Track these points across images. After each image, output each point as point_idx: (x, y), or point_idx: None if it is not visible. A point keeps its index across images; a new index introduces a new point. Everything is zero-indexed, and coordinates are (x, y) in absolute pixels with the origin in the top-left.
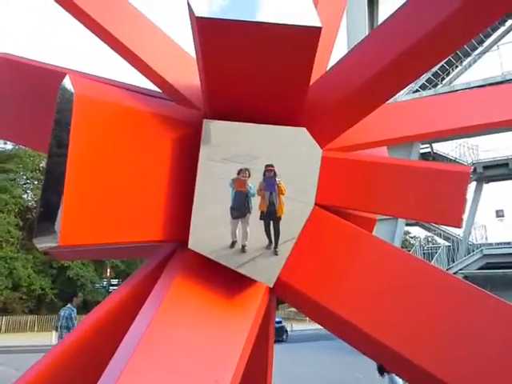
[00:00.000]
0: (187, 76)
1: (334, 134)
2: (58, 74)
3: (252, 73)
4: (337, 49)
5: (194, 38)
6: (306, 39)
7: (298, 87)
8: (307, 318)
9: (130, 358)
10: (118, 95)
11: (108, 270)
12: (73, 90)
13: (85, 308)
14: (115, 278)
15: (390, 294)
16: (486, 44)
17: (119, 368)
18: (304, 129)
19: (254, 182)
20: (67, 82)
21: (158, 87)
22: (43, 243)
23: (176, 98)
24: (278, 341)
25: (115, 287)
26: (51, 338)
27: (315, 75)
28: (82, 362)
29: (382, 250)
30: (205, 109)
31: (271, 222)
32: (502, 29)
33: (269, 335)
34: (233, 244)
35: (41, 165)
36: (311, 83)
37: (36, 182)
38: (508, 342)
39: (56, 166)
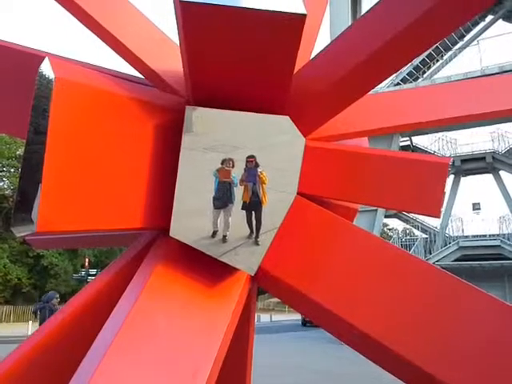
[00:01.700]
0: (170, 62)
1: (317, 123)
2: (36, 58)
3: (235, 59)
4: (319, 42)
5: (177, 24)
6: (290, 26)
7: (281, 75)
8: (286, 309)
9: (109, 348)
10: (99, 80)
11: (87, 260)
12: (52, 74)
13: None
14: (94, 269)
15: (370, 283)
16: (466, 39)
17: (97, 358)
18: (287, 117)
19: (236, 173)
20: (46, 66)
21: (141, 73)
22: (21, 230)
23: (158, 84)
24: None
25: (94, 277)
26: (28, 329)
27: (299, 64)
28: (58, 353)
29: (362, 239)
30: (187, 95)
31: (253, 212)
32: (482, 24)
33: (249, 325)
34: (214, 234)
35: (17, 152)
36: (295, 72)
37: (12, 170)
38: (482, 328)
39: (34, 153)
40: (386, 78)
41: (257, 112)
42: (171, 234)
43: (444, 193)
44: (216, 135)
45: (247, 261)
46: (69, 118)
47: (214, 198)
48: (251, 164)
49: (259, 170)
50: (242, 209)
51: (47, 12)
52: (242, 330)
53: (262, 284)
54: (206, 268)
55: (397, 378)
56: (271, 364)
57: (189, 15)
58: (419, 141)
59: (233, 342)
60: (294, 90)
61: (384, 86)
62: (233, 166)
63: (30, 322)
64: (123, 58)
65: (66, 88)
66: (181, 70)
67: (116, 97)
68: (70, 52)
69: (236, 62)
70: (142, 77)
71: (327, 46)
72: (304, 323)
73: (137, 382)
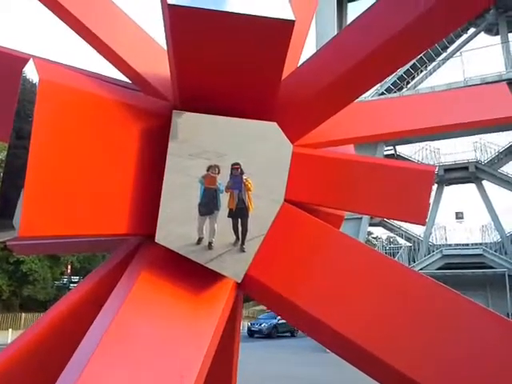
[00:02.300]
0: (157, 67)
1: (304, 130)
2: (21, 60)
3: (223, 64)
4: (306, 51)
5: (165, 27)
6: (279, 32)
7: (269, 80)
8: None
9: (93, 353)
10: (85, 82)
11: (69, 267)
12: (36, 77)
13: (41, 306)
14: (76, 276)
15: (357, 289)
16: (449, 50)
17: (81, 364)
18: (275, 123)
19: (222, 179)
20: (30, 68)
21: (127, 77)
22: (3, 235)
23: (145, 88)
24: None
25: (76, 285)
26: (8, 337)
27: (286, 71)
28: (40, 360)
29: (349, 247)
30: (174, 100)
31: (239, 219)
32: (465, 36)
33: (235, 331)
34: (199, 240)
35: None
36: (282, 78)
37: None
38: (466, 333)
39: (16, 158)
40: (373, 86)
41: (244, 118)
42: (157, 240)
43: (429, 200)
44: (202, 141)
45: (233, 267)
46: (53, 120)
47: (200, 205)
48: (236, 171)
49: (244, 177)
50: (229, 216)
51: (47, 12)
52: (228, 338)
53: (249, 291)
54: (191, 275)
55: None
56: (264, 372)
57: (176, 18)
58: (403, 150)
59: (218, 350)
60: (281, 97)
61: (369, 96)
62: (218, 173)
63: (10, 330)
64: (110, 61)
65: (51, 90)
66: (168, 75)
67: (102, 100)
68: (69, 52)
69: (224, 67)
70: (129, 81)
71: (315, 54)
72: (251, 334)
73: None
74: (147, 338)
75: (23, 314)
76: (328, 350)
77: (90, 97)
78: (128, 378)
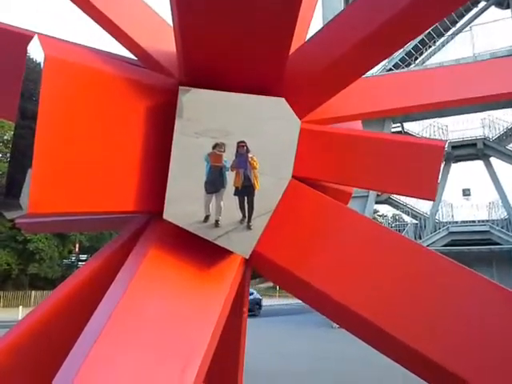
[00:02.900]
0: (162, 42)
1: (312, 106)
2: (26, 37)
3: (230, 37)
4: (313, 27)
5: (170, 0)
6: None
7: (277, 54)
8: (277, 294)
9: (102, 330)
10: (91, 59)
11: (77, 246)
12: (41, 56)
13: (50, 284)
14: (84, 254)
15: (365, 265)
16: (458, 25)
17: (88, 345)
18: (283, 99)
19: (228, 157)
20: (35, 46)
21: (133, 54)
22: (11, 213)
23: (150, 64)
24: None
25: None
26: (18, 314)
27: (294, 46)
28: (49, 338)
29: (357, 222)
30: (180, 76)
31: (246, 197)
32: (475, 10)
33: (243, 307)
34: (206, 218)
35: (4, 137)
36: (290, 53)
37: (0, 155)
38: (472, 307)
39: (23, 138)
40: (381, 61)
41: (251, 93)
42: (164, 216)
43: (439, 176)
44: (209, 119)
45: (241, 244)
46: (59, 98)
47: (206, 183)
48: (242, 149)
49: (250, 155)
50: (235, 194)
51: (46, 12)
52: (236, 314)
53: (257, 267)
54: (199, 251)
55: (394, 361)
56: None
57: None
58: (410, 127)
59: (227, 323)
60: (289, 72)
61: (376, 72)
62: (224, 151)
63: (21, 307)
64: (115, 38)
65: (57, 67)
66: (173, 51)
67: (108, 76)
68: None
69: (230, 40)
70: (135, 58)
71: (322, 28)
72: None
73: (129, 368)
74: (156, 314)
75: (33, 292)
76: (334, 326)
77: (96, 73)
78: (136, 354)
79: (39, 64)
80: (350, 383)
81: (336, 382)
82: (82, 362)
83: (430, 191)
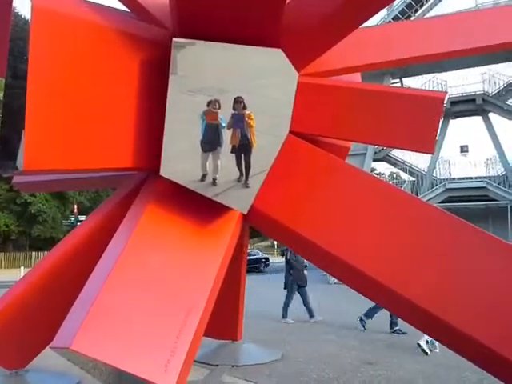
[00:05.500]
0: None
1: (309, 58)
2: None
3: None
4: None
5: None
6: None
7: (274, 2)
8: (275, 252)
9: (102, 287)
10: (82, 10)
11: (75, 207)
12: (30, 6)
13: (51, 245)
14: (83, 215)
15: (363, 218)
16: None
17: (92, 296)
18: (280, 50)
19: (224, 114)
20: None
21: (126, 6)
22: (7, 171)
23: (143, 16)
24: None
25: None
26: (20, 274)
27: None
28: (51, 293)
29: (354, 176)
30: (173, 28)
31: (242, 155)
32: None
33: (241, 262)
34: (203, 177)
35: None
36: (287, 2)
37: None
38: (469, 255)
39: (14, 98)
40: (379, 11)
41: (247, 44)
42: (161, 173)
43: (438, 128)
44: (204, 74)
45: (239, 201)
46: (49, 52)
47: (202, 141)
48: (239, 105)
49: (247, 111)
50: (231, 152)
51: None
52: (235, 266)
53: (255, 223)
54: (198, 207)
55: (394, 314)
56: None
57: None
58: (409, 82)
59: (226, 277)
60: (286, 22)
61: (375, 25)
62: (219, 108)
63: (22, 268)
64: None
65: (46, 18)
66: (166, 2)
67: (100, 28)
68: None
69: None
70: (127, 10)
71: None
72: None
73: (132, 318)
74: (156, 268)
75: (33, 253)
76: (331, 281)
77: (88, 25)
78: (141, 301)
79: (28, 21)
80: (346, 330)
81: (329, 330)
82: (89, 309)
83: (429, 144)
